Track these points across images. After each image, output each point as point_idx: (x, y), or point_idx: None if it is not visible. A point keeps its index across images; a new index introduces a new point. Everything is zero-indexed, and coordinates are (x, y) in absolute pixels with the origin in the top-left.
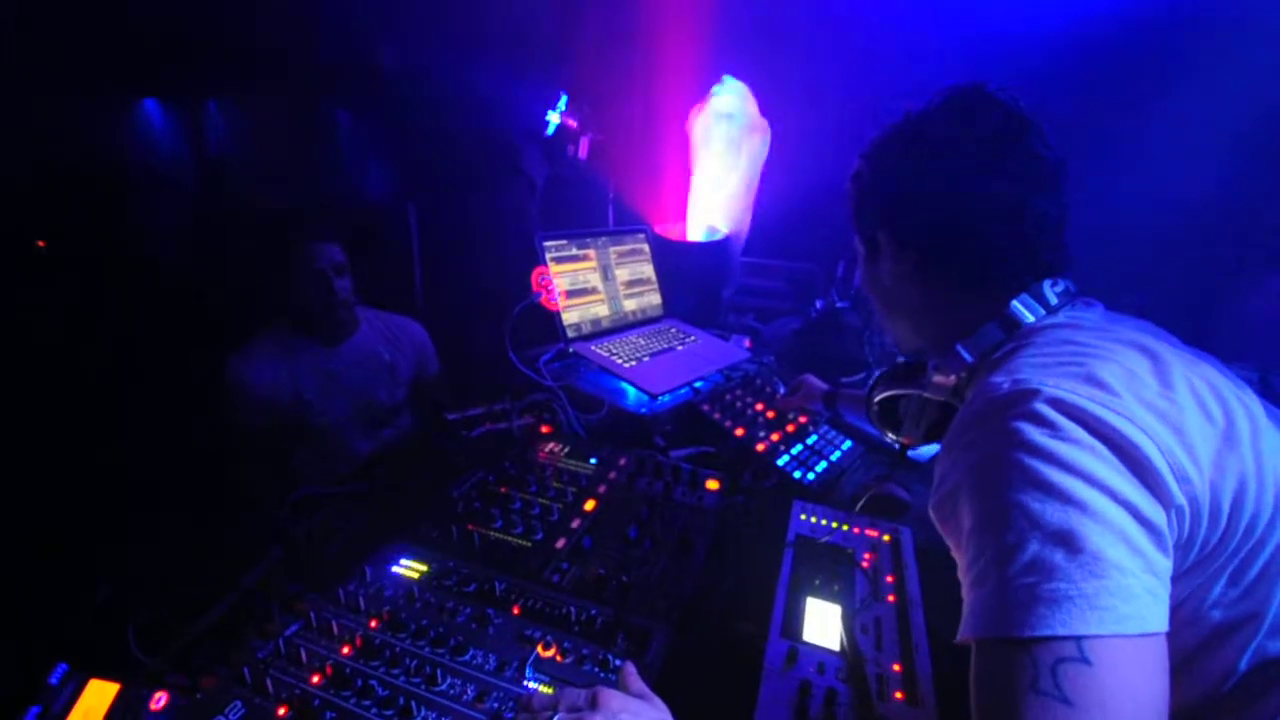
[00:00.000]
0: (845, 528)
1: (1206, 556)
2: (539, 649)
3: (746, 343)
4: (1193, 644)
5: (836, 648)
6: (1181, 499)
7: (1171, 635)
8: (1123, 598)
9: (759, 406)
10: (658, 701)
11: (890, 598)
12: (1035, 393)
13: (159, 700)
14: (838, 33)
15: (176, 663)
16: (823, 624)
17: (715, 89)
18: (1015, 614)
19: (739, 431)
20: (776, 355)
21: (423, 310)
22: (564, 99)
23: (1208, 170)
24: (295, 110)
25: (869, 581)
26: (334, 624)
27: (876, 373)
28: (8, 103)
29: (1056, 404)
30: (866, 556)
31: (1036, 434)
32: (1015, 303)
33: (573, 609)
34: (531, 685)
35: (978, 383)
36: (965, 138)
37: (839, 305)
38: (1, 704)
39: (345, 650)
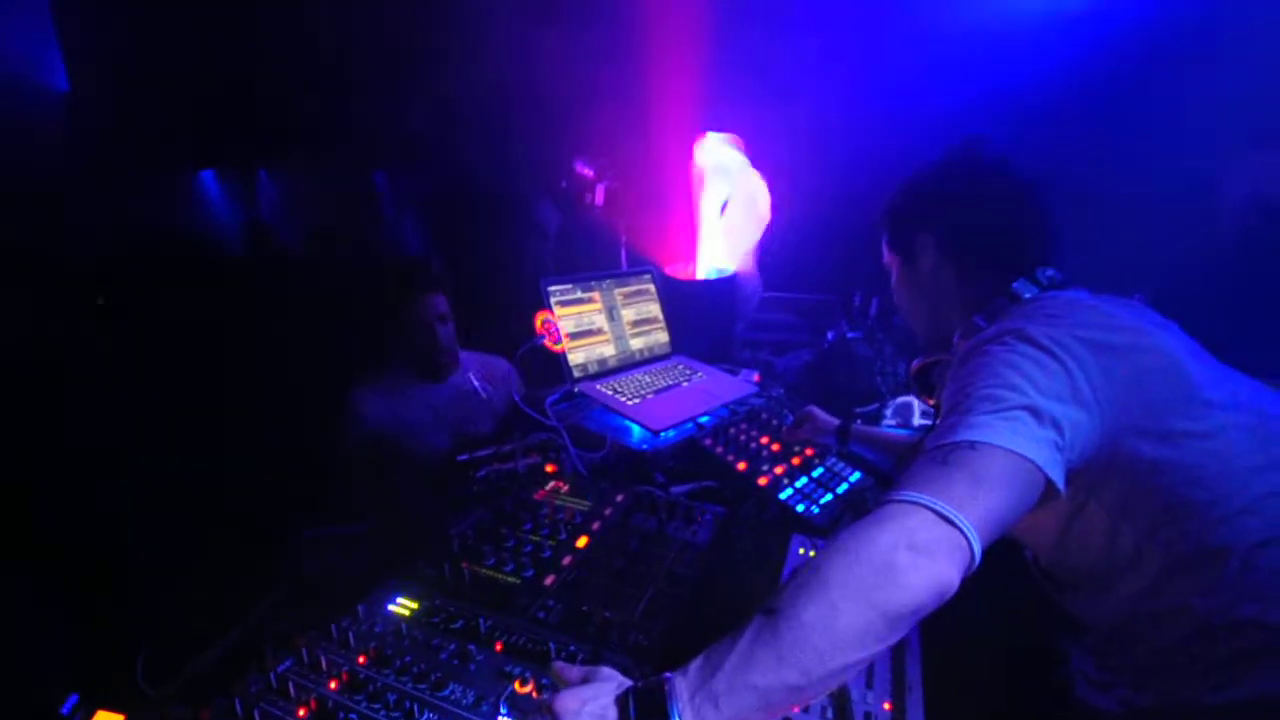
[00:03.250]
0: None
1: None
2: (515, 685)
3: (755, 377)
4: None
5: None
6: (1088, 391)
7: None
8: (1016, 431)
9: (764, 440)
10: (604, 671)
11: None
12: (1010, 330)
13: None
14: (842, 74)
15: (181, 694)
16: None
17: (698, 143)
18: (944, 434)
19: (741, 465)
20: (788, 388)
21: None
22: (580, 151)
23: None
24: (337, 175)
25: None
26: (323, 660)
27: (892, 402)
28: (86, 178)
29: (1018, 333)
30: None
31: (999, 349)
32: (1015, 284)
33: (553, 645)
34: None
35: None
36: (988, 173)
37: (850, 336)
38: None
39: (332, 685)
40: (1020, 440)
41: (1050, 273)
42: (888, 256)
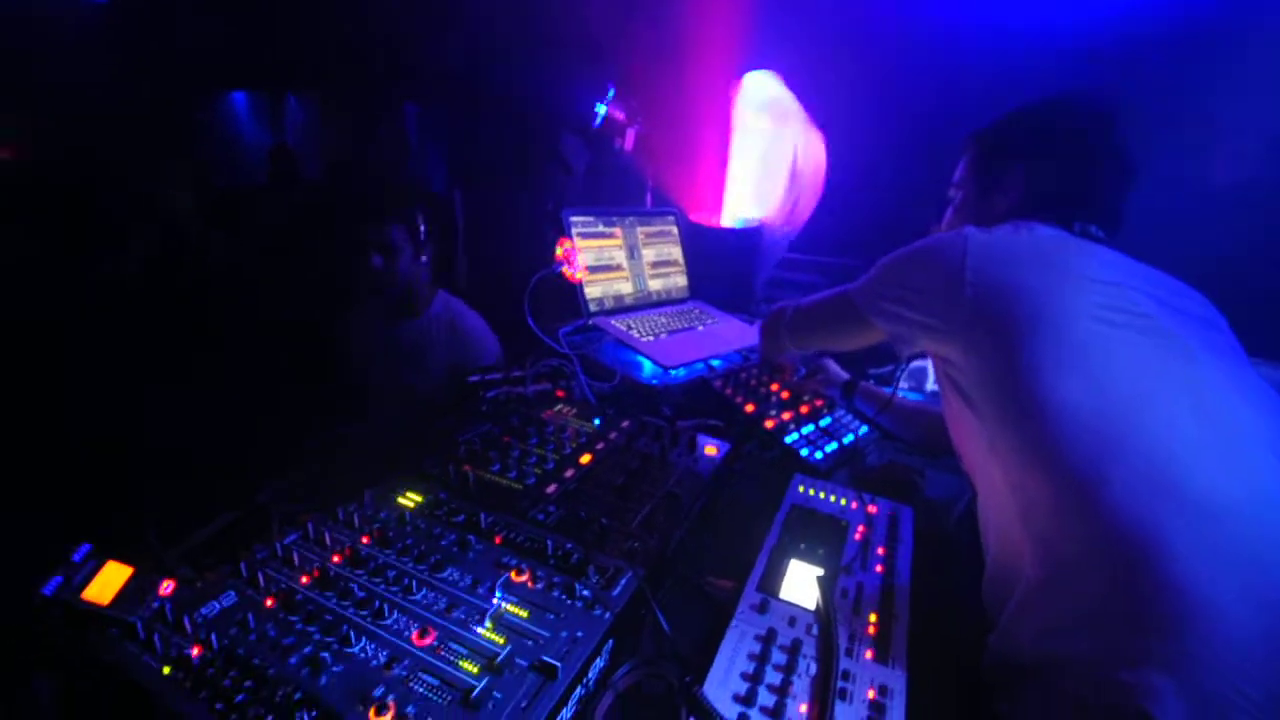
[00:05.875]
0: (844, 502)
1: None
2: (512, 574)
3: None
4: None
5: (812, 607)
6: (969, 289)
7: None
8: (875, 296)
9: (774, 387)
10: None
11: (878, 568)
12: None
13: (167, 587)
14: (877, 29)
15: (189, 558)
16: (802, 584)
17: (746, 77)
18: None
19: (749, 408)
20: None
21: (465, 289)
22: (612, 92)
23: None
24: (367, 104)
25: (859, 551)
26: (328, 536)
27: (906, 366)
28: (122, 94)
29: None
30: (860, 529)
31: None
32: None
33: (550, 543)
34: (500, 603)
35: None
36: (1105, 124)
37: None
38: (31, 571)
39: (336, 559)
40: (880, 308)
41: (1091, 228)
42: (961, 179)
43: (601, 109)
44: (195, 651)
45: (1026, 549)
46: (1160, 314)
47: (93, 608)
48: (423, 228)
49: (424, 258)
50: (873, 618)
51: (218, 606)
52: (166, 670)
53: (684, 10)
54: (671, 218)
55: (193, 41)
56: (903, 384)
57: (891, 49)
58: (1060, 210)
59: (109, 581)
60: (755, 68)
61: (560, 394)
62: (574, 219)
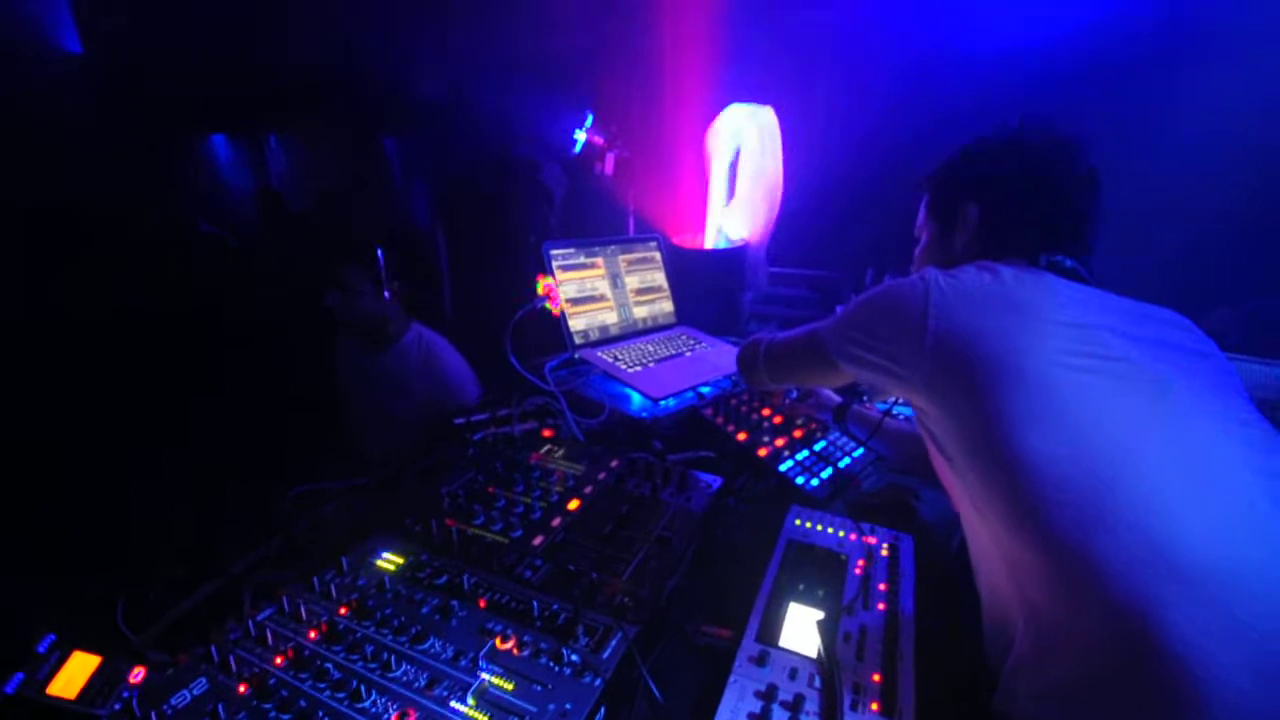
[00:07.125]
0: (842, 534)
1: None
2: (496, 641)
3: None
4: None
5: (814, 655)
6: (931, 336)
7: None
8: (842, 340)
9: (765, 412)
10: None
11: (880, 605)
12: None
13: (137, 674)
14: (857, 47)
15: (159, 640)
16: (803, 630)
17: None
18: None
19: (741, 436)
20: None
21: (451, 323)
22: (590, 118)
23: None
24: (347, 142)
25: (859, 588)
26: (304, 610)
27: None
28: (98, 137)
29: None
30: (860, 563)
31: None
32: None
33: (535, 604)
34: (484, 676)
35: None
36: (1055, 156)
37: None
38: None
39: (311, 635)
40: (845, 351)
41: (1058, 259)
42: (923, 221)
43: (581, 135)
44: None
45: (1016, 606)
46: (1137, 354)
47: (59, 703)
48: (382, 265)
49: (387, 293)
50: (876, 678)
51: (188, 696)
52: None
53: (659, 33)
54: (654, 243)
55: (169, 87)
56: (900, 400)
57: (871, 66)
58: (1022, 243)
59: (76, 673)
60: (733, 86)
61: (548, 433)
62: (554, 252)
